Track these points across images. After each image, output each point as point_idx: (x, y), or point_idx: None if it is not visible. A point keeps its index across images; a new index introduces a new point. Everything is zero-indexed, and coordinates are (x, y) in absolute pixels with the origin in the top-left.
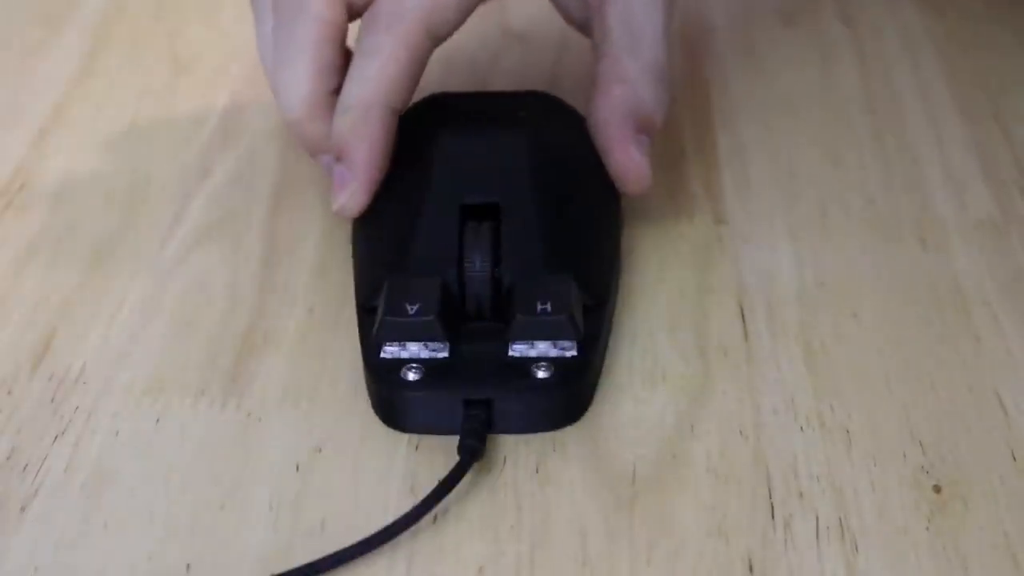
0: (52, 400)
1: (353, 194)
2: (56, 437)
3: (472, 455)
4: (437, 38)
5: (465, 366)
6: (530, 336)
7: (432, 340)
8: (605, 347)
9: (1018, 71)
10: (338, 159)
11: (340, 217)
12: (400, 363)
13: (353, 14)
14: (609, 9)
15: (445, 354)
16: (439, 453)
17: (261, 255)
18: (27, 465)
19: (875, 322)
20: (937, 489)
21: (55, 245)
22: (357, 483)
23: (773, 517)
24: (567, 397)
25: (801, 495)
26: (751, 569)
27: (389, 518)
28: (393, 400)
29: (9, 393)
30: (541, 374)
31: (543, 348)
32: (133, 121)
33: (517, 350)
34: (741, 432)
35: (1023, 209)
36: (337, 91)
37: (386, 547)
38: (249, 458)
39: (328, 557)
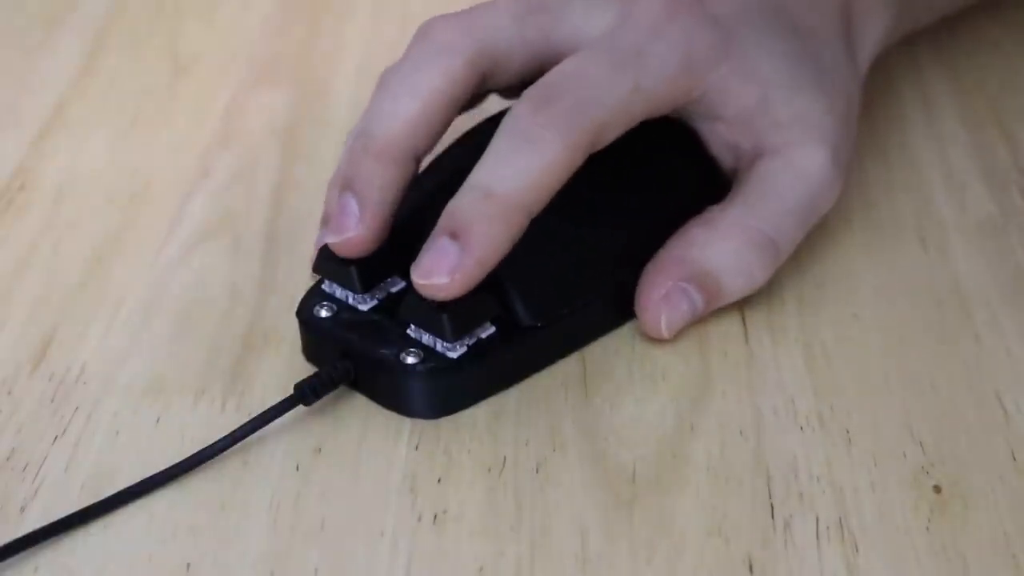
0: (52, 400)
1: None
2: (56, 437)
3: (300, 396)
4: (594, 150)
5: (364, 323)
6: (413, 319)
7: (345, 287)
8: (523, 370)
9: (1018, 72)
10: (454, 238)
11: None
12: (326, 298)
13: (494, 81)
14: (759, 166)
15: (365, 307)
16: (439, 453)
17: (261, 255)
18: (27, 465)
19: (875, 322)
20: (937, 489)
21: (55, 245)
22: (357, 483)
23: (773, 517)
24: (418, 389)
25: (801, 495)
26: (751, 569)
27: (389, 518)
28: (300, 327)
29: (9, 393)
30: (410, 359)
31: (429, 339)
32: (133, 121)
33: (413, 331)
34: (741, 432)
35: (1023, 209)
36: (420, 148)
37: (385, 546)
38: (249, 458)
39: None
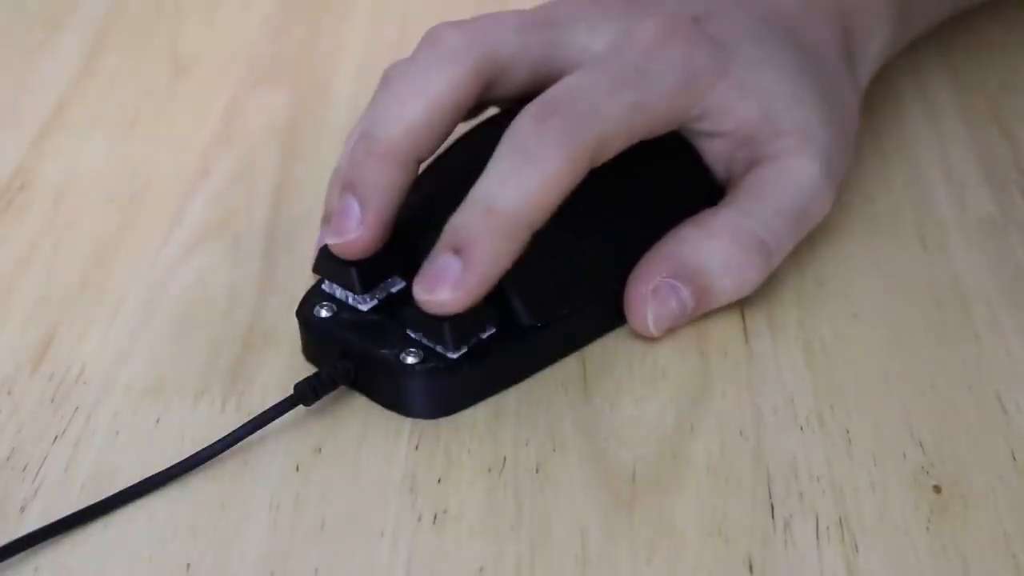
0: (52, 400)
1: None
2: (56, 437)
3: (300, 396)
4: (595, 165)
5: (364, 323)
6: (414, 327)
7: (345, 287)
8: (523, 370)
9: (1018, 71)
10: (457, 251)
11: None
12: (326, 298)
13: (497, 93)
14: (753, 173)
15: (365, 307)
16: (439, 453)
17: (261, 255)
18: (27, 465)
19: (875, 322)
20: (937, 489)
21: (55, 245)
22: (357, 483)
23: (773, 517)
24: (418, 389)
25: (801, 495)
26: (751, 569)
27: (389, 518)
28: (300, 327)
29: (9, 393)
30: (410, 359)
31: (430, 341)
32: (133, 121)
33: (414, 332)
34: (741, 432)
35: (1023, 209)
36: (422, 152)
37: (385, 546)
38: (249, 458)
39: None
